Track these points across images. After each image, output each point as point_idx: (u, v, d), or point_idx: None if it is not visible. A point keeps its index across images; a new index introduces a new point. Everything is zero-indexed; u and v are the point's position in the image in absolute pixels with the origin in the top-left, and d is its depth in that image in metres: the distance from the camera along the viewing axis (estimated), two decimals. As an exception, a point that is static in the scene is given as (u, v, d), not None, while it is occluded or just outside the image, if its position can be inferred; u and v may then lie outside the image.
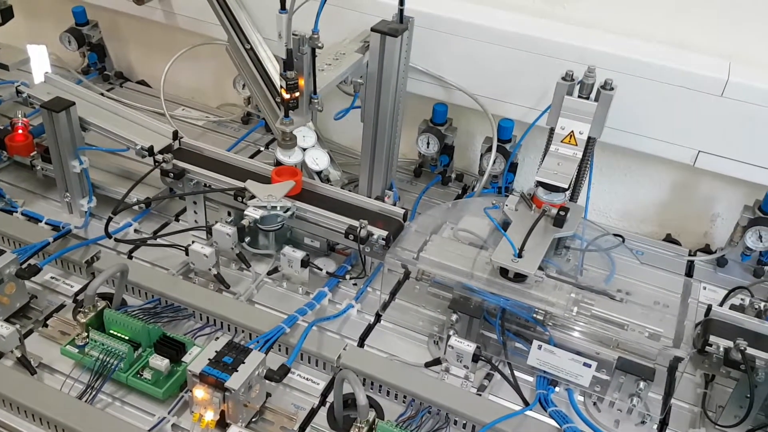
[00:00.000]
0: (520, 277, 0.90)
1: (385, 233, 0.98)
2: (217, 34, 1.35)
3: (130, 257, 1.08)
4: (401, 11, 1.03)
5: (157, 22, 1.42)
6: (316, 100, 0.97)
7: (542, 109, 1.12)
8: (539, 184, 1.00)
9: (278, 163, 1.28)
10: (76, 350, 0.88)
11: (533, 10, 1.17)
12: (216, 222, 1.05)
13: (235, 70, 1.37)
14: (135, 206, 1.13)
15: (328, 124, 1.37)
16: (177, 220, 1.18)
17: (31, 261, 0.97)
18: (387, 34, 1.03)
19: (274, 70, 1.19)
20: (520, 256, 0.90)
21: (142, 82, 1.58)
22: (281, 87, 0.92)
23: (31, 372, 0.87)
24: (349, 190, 1.15)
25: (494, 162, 1.19)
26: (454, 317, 0.93)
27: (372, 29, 1.04)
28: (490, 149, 1.19)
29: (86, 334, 0.87)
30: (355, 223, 0.98)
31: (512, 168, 1.21)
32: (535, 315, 0.91)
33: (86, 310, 0.88)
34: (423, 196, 1.26)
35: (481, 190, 1.23)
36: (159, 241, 1.09)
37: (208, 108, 1.50)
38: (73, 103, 1.05)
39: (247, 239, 1.08)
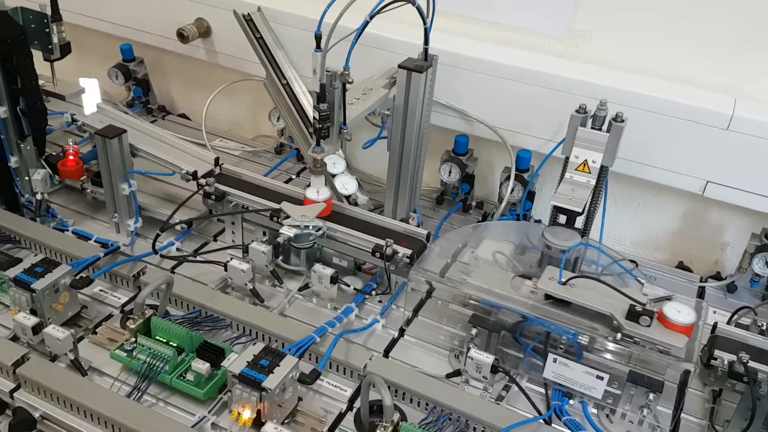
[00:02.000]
0: (564, 303, 0.96)
1: (409, 251, 1.05)
2: (254, 71, 1.46)
3: (172, 273, 1.16)
4: (426, 50, 1.12)
5: (198, 60, 1.54)
6: (345, 131, 1.06)
7: (558, 141, 1.20)
8: (555, 208, 1.07)
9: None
10: (125, 354, 0.95)
11: (549, 49, 1.26)
12: (252, 241, 1.13)
13: (269, 104, 1.47)
14: (177, 226, 1.22)
15: (356, 153, 1.45)
16: (215, 240, 1.27)
17: (83, 273, 1.06)
18: (413, 71, 1.12)
19: (307, 103, 1.28)
20: (564, 283, 0.96)
21: (182, 115, 1.69)
22: (314, 118, 1.01)
23: (82, 373, 0.95)
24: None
25: (512, 190, 1.26)
26: (473, 331, 1.00)
27: (399, 66, 1.13)
28: (509, 178, 1.26)
29: (134, 339, 0.95)
30: (382, 241, 1.05)
31: (530, 196, 1.29)
32: (579, 339, 0.96)
33: (136, 317, 0.96)
34: (445, 222, 1.34)
35: (500, 217, 1.30)
36: (199, 258, 1.17)
37: (243, 139, 1.61)
38: (125, 131, 1.15)
39: (281, 257, 1.16)
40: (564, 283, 0.96)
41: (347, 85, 1.03)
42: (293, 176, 1.48)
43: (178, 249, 1.22)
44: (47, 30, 1.17)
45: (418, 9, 1.02)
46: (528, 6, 1.24)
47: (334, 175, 1.20)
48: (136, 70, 1.58)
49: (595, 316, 0.94)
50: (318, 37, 0.95)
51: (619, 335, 0.91)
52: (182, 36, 1.42)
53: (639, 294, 0.95)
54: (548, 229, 1.08)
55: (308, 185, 1.12)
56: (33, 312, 0.97)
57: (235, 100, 1.61)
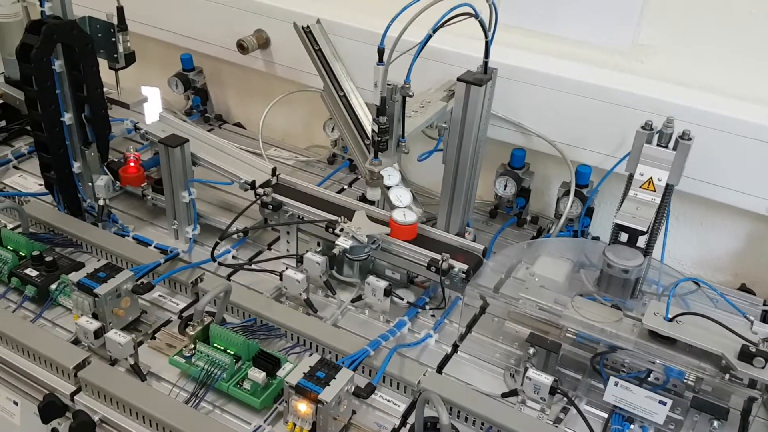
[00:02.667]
0: (668, 340, 0.93)
1: (465, 267, 1.04)
2: (310, 82, 1.47)
3: (228, 280, 1.18)
4: (486, 63, 1.11)
5: (256, 70, 1.56)
6: (403, 143, 1.06)
7: (619, 157, 1.17)
8: (618, 227, 1.04)
9: (363, 199, 1.37)
10: (183, 360, 0.96)
11: (612, 64, 1.23)
12: (307, 251, 1.14)
13: (324, 115, 1.48)
14: (234, 235, 1.23)
15: (409, 166, 1.45)
16: (269, 248, 1.28)
17: (144, 279, 1.08)
18: (472, 84, 1.11)
19: (363, 115, 1.29)
20: (671, 320, 0.93)
21: (238, 125, 1.72)
22: (372, 131, 1.01)
23: (141, 378, 0.96)
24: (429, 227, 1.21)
25: (571, 206, 1.24)
26: (531, 351, 0.98)
27: (458, 79, 1.12)
28: (567, 193, 1.24)
29: (193, 345, 0.96)
30: (437, 256, 1.05)
31: (589, 212, 1.26)
32: (686, 379, 0.94)
33: (195, 324, 0.97)
34: (498, 237, 1.32)
35: (558, 233, 1.27)
36: (255, 266, 1.18)
37: (297, 149, 1.62)
38: (187, 140, 1.17)
39: (334, 268, 1.17)
40: (670, 320, 0.93)
41: (407, 99, 1.03)
42: (345, 186, 1.48)
43: (234, 257, 1.24)
44: (113, 39, 1.20)
45: (481, 23, 1.02)
46: (591, 19, 1.22)
47: (388, 188, 1.20)
48: (195, 79, 1.61)
49: (702, 355, 0.91)
50: (381, 51, 0.95)
51: (727, 376, 0.88)
52: (242, 47, 1.44)
53: (749, 332, 0.91)
54: (610, 247, 1.06)
55: (393, 207, 1.14)
56: (95, 316, 1.00)
57: (290, 110, 1.62)
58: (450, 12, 0.95)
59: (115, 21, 1.18)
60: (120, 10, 1.17)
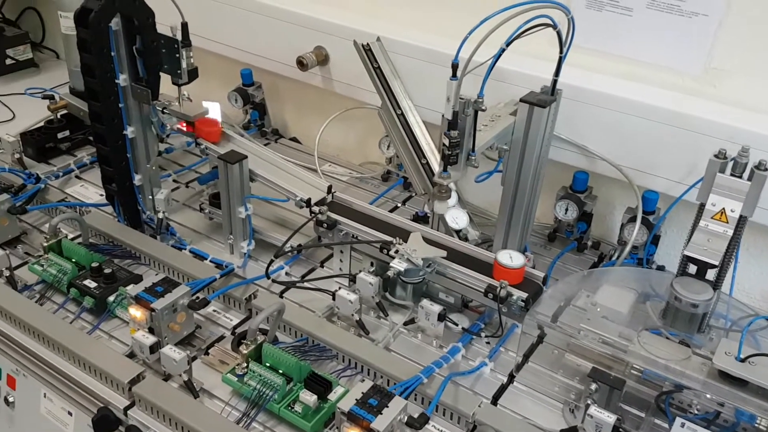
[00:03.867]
0: (739, 381, 0.89)
1: (524, 295, 1.00)
2: (367, 99, 1.47)
3: (281, 297, 1.17)
4: (555, 81, 1.07)
5: (314, 86, 1.56)
6: (473, 157, 1.06)
7: (688, 184, 1.12)
8: (688, 259, 0.99)
9: (416, 218, 1.35)
10: (236, 379, 0.96)
11: (682, 87, 1.18)
12: (360, 271, 1.12)
13: (379, 132, 1.47)
14: (288, 252, 1.23)
15: (466, 185, 1.42)
16: (322, 266, 1.27)
17: (200, 294, 1.09)
18: (536, 105, 1.08)
19: (421, 134, 1.27)
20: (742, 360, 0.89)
21: (294, 139, 1.73)
22: (443, 144, 1.01)
23: (194, 395, 0.96)
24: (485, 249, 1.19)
25: (637, 233, 1.19)
26: (593, 386, 0.93)
27: (521, 100, 1.09)
28: (632, 219, 1.19)
29: (246, 364, 0.96)
30: (495, 282, 1.01)
31: (654, 240, 1.21)
32: (757, 423, 0.89)
33: (248, 342, 0.97)
34: (557, 261, 1.28)
35: (624, 261, 1.22)
36: (308, 284, 1.17)
37: (351, 165, 1.62)
38: (246, 157, 1.18)
39: (387, 289, 1.15)
40: (742, 360, 0.88)
41: (479, 113, 1.03)
42: (399, 204, 1.47)
43: (287, 273, 1.23)
44: (177, 55, 1.22)
45: (558, 34, 0.99)
46: (662, 41, 1.17)
47: (445, 209, 1.18)
48: (254, 94, 1.63)
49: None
50: (455, 66, 0.96)
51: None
52: (302, 64, 1.45)
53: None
54: (678, 279, 1.01)
55: (496, 247, 1.14)
56: (150, 330, 1.00)
57: (345, 126, 1.62)
58: (526, 24, 0.94)
59: (179, 36, 1.19)
60: (184, 26, 1.19)
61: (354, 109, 1.48)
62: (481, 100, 1.01)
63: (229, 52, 1.63)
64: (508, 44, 0.96)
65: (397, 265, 1.04)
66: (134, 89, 1.16)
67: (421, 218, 1.37)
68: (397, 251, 1.06)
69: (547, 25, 0.96)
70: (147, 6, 1.12)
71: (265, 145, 1.66)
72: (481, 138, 1.06)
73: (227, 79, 1.68)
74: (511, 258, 1.02)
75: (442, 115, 1.01)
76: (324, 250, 1.29)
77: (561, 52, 1.02)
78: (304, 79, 1.55)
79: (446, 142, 1.00)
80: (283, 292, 1.19)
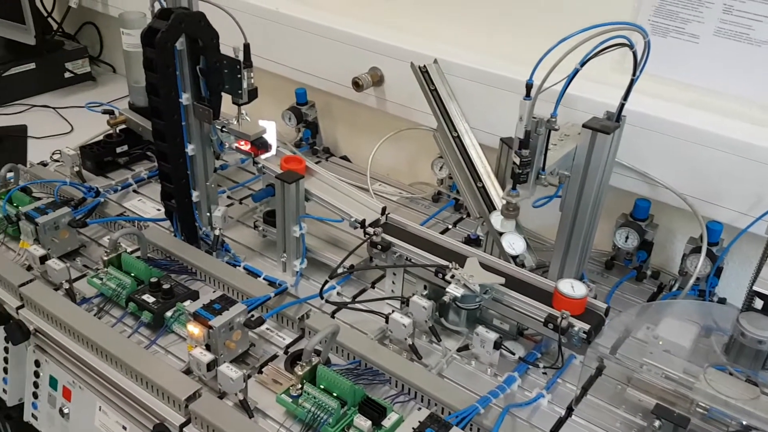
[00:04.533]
0: None
1: (586, 327, 0.98)
2: (421, 120, 1.47)
3: (332, 317, 1.17)
4: (622, 106, 1.06)
5: (367, 106, 1.57)
6: (543, 176, 1.06)
7: (754, 216, 1.09)
8: (755, 294, 0.95)
9: (468, 240, 1.34)
10: (290, 400, 0.96)
11: (750, 117, 1.15)
12: (413, 294, 1.11)
13: (432, 153, 1.47)
14: (340, 272, 1.23)
15: (522, 209, 1.40)
16: (373, 287, 1.26)
17: (255, 313, 1.09)
18: (599, 131, 1.06)
19: (477, 156, 1.26)
20: None
21: (344, 158, 1.73)
22: (514, 163, 1.04)
23: (249, 415, 0.96)
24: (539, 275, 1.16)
25: (701, 265, 1.15)
26: (656, 423, 0.90)
27: (584, 126, 1.08)
28: (695, 250, 1.16)
29: (300, 386, 0.96)
30: (556, 312, 0.99)
31: (717, 272, 1.17)
32: None
33: (303, 364, 0.96)
34: (616, 291, 1.25)
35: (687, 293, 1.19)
36: (361, 306, 1.16)
37: (401, 184, 1.61)
38: (303, 177, 1.18)
39: (437, 313, 1.14)
40: None
41: (552, 132, 1.05)
42: (450, 226, 1.45)
43: (338, 293, 1.23)
44: (239, 76, 1.24)
45: (634, 54, 0.97)
46: (729, 70, 1.15)
47: (501, 234, 1.16)
48: (307, 113, 1.64)
49: None
50: (529, 86, 0.98)
51: None
52: (357, 85, 1.46)
53: None
54: (744, 315, 0.97)
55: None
56: (207, 347, 1.01)
57: (397, 146, 1.62)
58: (601, 44, 0.94)
59: (241, 57, 1.21)
60: (247, 48, 1.20)
61: (407, 130, 1.48)
62: (554, 119, 1.02)
63: (284, 71, 1.65)
64: (582, 64, 0.95)
65: (454, 290, 1.02)
66: (196, 108, 1.18)
67: (473, 241, 1.36)
68: (453, 276, 1.05)
69: (623, 45, 0.95)
70: (212, 27, 1.14)
71: (317, 163, 1.67)
72: (552, 157, 1.07)
73: (281, 97, 1.70)
74: (572, 288, 1.00)
75: (514, 134, 1.02)
76: (376, 271, 1.28)
77: (634, 74, 1.00)
78: (358, 100, 1.56)
79: (517, 160, 1.02)
80: (335, 312, 1.18)
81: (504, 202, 1.07)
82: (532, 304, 1.02)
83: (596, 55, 0.95)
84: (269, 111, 1.65)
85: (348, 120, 1.72)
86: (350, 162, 1.72)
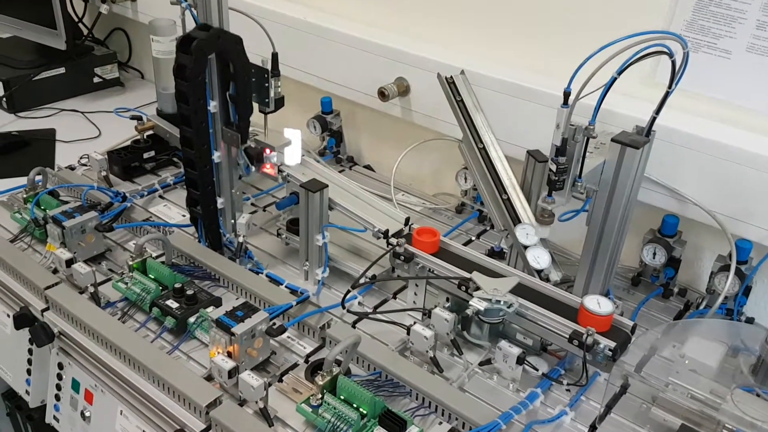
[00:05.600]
0: None
1: (612, 344, 0.96)
2: (446, 131, 1.46)
3: (353, 327, 1.16)
4: (653, 120, 1.04)
5: (392, 116, 1.57)
6: (579, 183, 1.08)
7: (786, 235, 1.06)
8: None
9: (491, 253, 1.33)
10: (310, 410, 0.95)
11: (784, 132, 1.13)
12: (435, 306, 1.10)
13: (456, 163, 1.47)
14: (361, 280, 1.22)
15: (544, 224, 1.39)
16: (394, 297, 1.26)
17: (277, 321, 1.09)
18: (628, 146, 1.05)
19: (502, 168, 1.25)
20: None
21: (367, 167, 1.73)
22: (550, 170, 1.06)
23: (269, 423, 0.96)
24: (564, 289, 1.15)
25: (729, 283, 1.13)
26: (683, 445, 0.89)
27: (612, 140, 1.06)
28: (723, 268, 1.14)
29: (321, 395, 0.95)
30: (581, 329, 0.98)
31: (746, 291, 1.15)
32: None
33: (324, 374, 0.96)
34: (642, 308, 1.23)
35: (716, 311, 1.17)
36: (382, 316, 1.16)
37: (424, 195, 1.61)
38: (327, 186, 1.18)
39: (459, 326, 1.13)
40: None
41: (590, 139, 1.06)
42: (473, 238, 1.45)
43: (360, 303, 1.22)
44: (266, 84, 1.24)
45: (673, 65, 0.97)
46: (762, 86, 1.13)
47: (526, 247, 1.15)
48: (332, 122, 1.65)
49: None
50: (567, 94, 1.01)
51: None
52: (383, 95, 1.46)
53: None
54: (774, 336, 0.95)
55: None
56: (229, 354, 1.01)
57: (421, 156, 1.62)
58: (639, 53, 0.95)
59: (269, 66, 1.22)
60: (275, 57, 1.21)
61: (432, 140, 1.48)
62: (592, 127, 1.03)
63: (310, 80, 1.66)
64: (620, 72, 0.96)
65: (477, 304, 1.02)
66: (225, 133, 1.21)
67: (496, 253, 1.35)
68: (477, 289, 1.04)
69: (662, 53, 0.95)
70: (245, 55, 1.15)
71: (340, 171, 1.67)
72: (587, 165, 1.08)
73: (305, 105, 1.71)
74: (599, 304, 0.98)
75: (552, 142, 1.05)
76: (397, 282, 1.28)
77: (670, 86, 0.99)
78: (383, 109, 1.56)
79: (553, 167, 1.04)
80: (356, 322, 1.18)
81: (539, 208, 1.09)
82: (556, 320, 1.01)
83: (634, 62, 0.95)
84: (294, 119, 1.66)
85: (372, 129, 1.72)
86: (373, 171, 1.72)
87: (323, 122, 1.64)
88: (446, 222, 1.50)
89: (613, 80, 0.99)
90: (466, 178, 1.45)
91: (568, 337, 0.98)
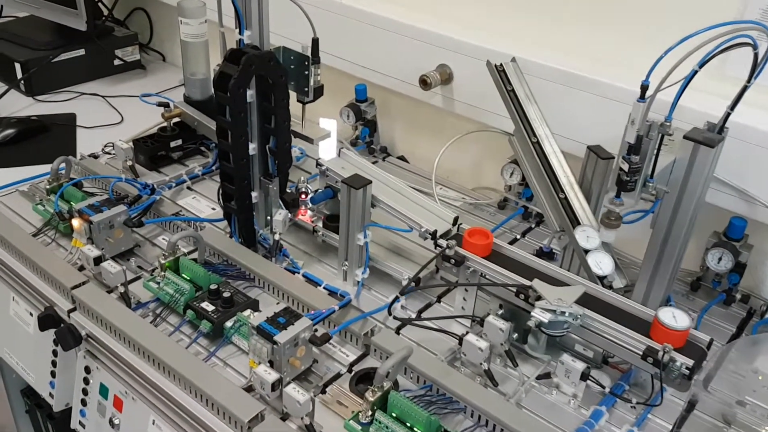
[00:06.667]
0: None
1: (690, 362, 0.89)
2: (490, 122, 1.38)
3: (397, 333, 1.09)
4: (728, 116, 0.96)
5: (430, 105, 1.49)
6: (651, 184, 1.01)
7: None
8: None
9: (540, 253, 1.25)
10: (360, 428, 0.88)
11: None
12: (488, 314, 1.03)
13: (498, 156, 1.39)
14: (404, 281, 1.15)
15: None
16: (439, 301, 1.18)
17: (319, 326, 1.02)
18: (702, 144, 0.97)
19: (558, 164, 1.16)
20: None
21: (401, 158, 1.65)
22: (621, 169, 0.99)
23: (316, 441, 0.90)
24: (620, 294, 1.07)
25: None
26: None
27: (685, 137, 0.98)
28: (798, 278, 1.05)
29: (371, 412, 0.88)
30: (657, 345, 0.90)
31: (821, 302, 1.07)
32: None
33: (375, 389, 0.89)
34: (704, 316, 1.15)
35: (781, 322, 1.09)
36: (431, 324, 1.08)
37: (463, 189, 1.52)
38: (371, 182, 1.11)
39: (515, 335, 1.06)
40: None
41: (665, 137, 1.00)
42: (518, 236, 1.37)
43: (403, 306, 1.15)
44: (306, 72, 1.16)
45: (755, 57, 0.89)
46: None
47: (586, 251, 1.07)
48: (367, 110, 1.56)
49: None
50: (644, 87, 0.95)
51: None
52: (425, 83, 1.37)
53: None
54: None
55: (662, 305, 1.05)
56: (270, 364, 0.94)
57: (460, 148, 1.52)
58: (723, 44, 0.88)
59: (309, 53, 1.14)
60: (315, 42, 1.13)
61: (476, 132, 1.39)
62: (668, 123, 0.97)
63: (344, 65, 1.57)
64: (701, 66, 0.90)
65: (540, 315, 0.94)
66: (263, 183, 1.17)
67: (545, 254, 1.27)
68: (538, 298, 0.97)
69: (746, 44, 0.88)
70: (280, 65, 1.09)
71: (373, 162, 1.59)
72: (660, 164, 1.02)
73: (337, 93, 1.62)
74: (674, 318, 0.91)
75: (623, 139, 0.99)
76: (441, 283, 1.20)
77: (749, 80, 0.91)
78: (422, 98, 1.47)
79: (625, 167, 0.98)
80: (399, 328, 1.11)
81: (605, 210, 1.03)
82: (627, 334, 0.93)
83: (717, 54, 0.89)
84: (326, 108, 1.58)
85: (408, 119, 1.63)
86: (407, 162, 1.64)
87: (357, 111, 1.56)
88: (488, 219, 1.42)
89: (694, 73, 0.93)
90: (512, 173, 1.37)
91: (641, 353, 0.91)
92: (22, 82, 1.81)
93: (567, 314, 0.94)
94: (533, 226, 1.39)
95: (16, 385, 1.49)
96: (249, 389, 0.96)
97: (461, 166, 1.58)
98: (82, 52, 1.89)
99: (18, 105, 1.77)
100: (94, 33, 1.86)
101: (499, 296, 1.06)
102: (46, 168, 1.34)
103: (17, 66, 1.80)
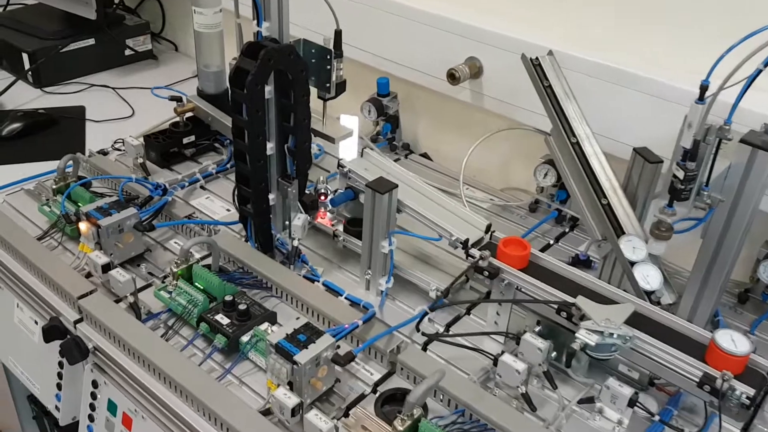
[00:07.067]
0: None
1: (751, 391, 0.80)
2: (522, 119, 1.30)
3: (424, 349, 1.02)
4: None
5: (456, 100, 1.40)
6: (705, 192, 0.94)
7: None
8: None
9: (576, 261, 1.17)
10: (388, 459, 0.81)
11: None
12: (525, 331, 0.95)
13: (528, 156, 1.31)
14: (432, 294, 1.08)
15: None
16: (468, 314, 1.10)
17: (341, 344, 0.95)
18: (760, 148, 0.88)
19: (599, 166, 1.08)
20: None
21: (424, 155, 1.57)
22: (675, 176, 0.92)
23: (340, 471, 0.82)
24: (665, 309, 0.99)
25: None
26: None
27: (741, 140, 0.89)
28: None
29: (401, 443, 0.81)
30: (715, 372, 0.82)
31: None
32: None
33: (405, 417, 0.82)
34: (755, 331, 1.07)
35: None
36: (464, 341, 1.01)
37: (491, 189, 1.44)
38: (396, 186, 1.03)
39: (553, 354, 0.98)
40: None
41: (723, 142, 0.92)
42: (551, 241, 1.28)
43: (430, 319, 1.07)
44: (328, 67, 1.08)
45: None
46: None
47: (633, 263, 0.99)
48: (389, 105, 1.48)
49: None
50: (704, 88, 0.87)
51: None
52: (453, 77, 1.29)
53: None
54: None
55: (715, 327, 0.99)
56: (290, 385, 0.87)
57: (488, 146, 1.44)
58: None
59: (331, 46, 1.06)
60: (338, 35, 1.05)
61: (510, 129, 1.31)
62: (728, 127, 0.89)
63: (366, 58, 1.49)
64: (765, 65, 0.82)
65: (586, 337, 0.86)
66: (281, 185, 1.10)
67: (581, 262, 1.19)
68: (582, 317, 0.88)
69: None
70: (300, 60, 1.01)
71: (395, 160, 1.51)
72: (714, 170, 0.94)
73: (358, 86, 1.54)
74: (734, 342, 0.82)
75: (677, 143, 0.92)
76: (468, 292, 1.13)
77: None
78: (448, 92, 1.39)
79: (679, 174, 0.91)
80: (426, 343, 1.03)
81: (656, 220, 0.95)
82: (681, 358, 0.85)
83: None
84: (346, 103, 1.50)
85: (432, 114, 1.55)
86: (430, 160, 1.56)
87: (379, 106, 1.47)
88: (519, 222, 1.34)
89: (758, 73, 0.84)
90: (546, 174, 1.28)
91: (698, 381, 0.82)
92: (30, 73, 1.74)
93: (615, 336, 0.86)
94: (567, 230, 1.30)
95: (23, 391, 1.43)
96: (266, 412, 0.89)
97: (489, 165, 1.49)
98: (92, 41, 1.82)
99: (25, 97, 1.71)
100: (104, 22, 1.79)
101: (536, 311, 0.98)
102: (54, 164, 1.26)
103: (25, 56, 1.73)
